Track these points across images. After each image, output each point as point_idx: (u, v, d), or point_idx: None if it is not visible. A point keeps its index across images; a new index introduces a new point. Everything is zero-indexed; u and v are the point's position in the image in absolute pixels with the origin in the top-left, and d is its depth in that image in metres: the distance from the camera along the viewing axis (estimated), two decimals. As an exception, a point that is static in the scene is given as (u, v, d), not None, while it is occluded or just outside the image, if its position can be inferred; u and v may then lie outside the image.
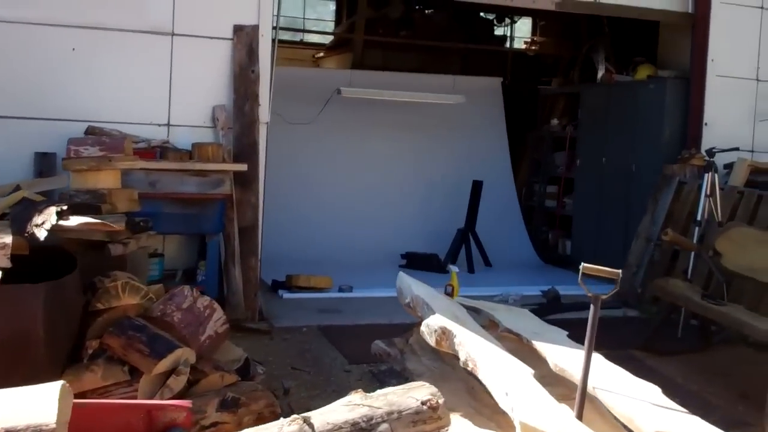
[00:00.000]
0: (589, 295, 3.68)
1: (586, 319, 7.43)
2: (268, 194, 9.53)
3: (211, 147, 6.60)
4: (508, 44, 16.37)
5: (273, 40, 7.23)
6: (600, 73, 9.66)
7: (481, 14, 14.91)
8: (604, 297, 3.70)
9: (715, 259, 6.36)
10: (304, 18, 16.59)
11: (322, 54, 15.96)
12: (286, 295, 7.50)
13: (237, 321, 6.47)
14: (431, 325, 4.02)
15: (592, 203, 9.67)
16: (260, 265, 6.94)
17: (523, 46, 15.43)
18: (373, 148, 10.13)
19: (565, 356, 4.02)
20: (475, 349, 3.76)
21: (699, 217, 6.82)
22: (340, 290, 7.68)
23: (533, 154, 11.09)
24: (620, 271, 3.71)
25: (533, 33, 15.13)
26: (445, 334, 3.96)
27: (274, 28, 7.18)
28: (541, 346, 4.15)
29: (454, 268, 7.58)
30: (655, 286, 6.36)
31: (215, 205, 6.37)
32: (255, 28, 6.92)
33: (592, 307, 3.64)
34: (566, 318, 7.33)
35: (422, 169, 10.37)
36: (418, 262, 9.22)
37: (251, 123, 6.82)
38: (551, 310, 7.33)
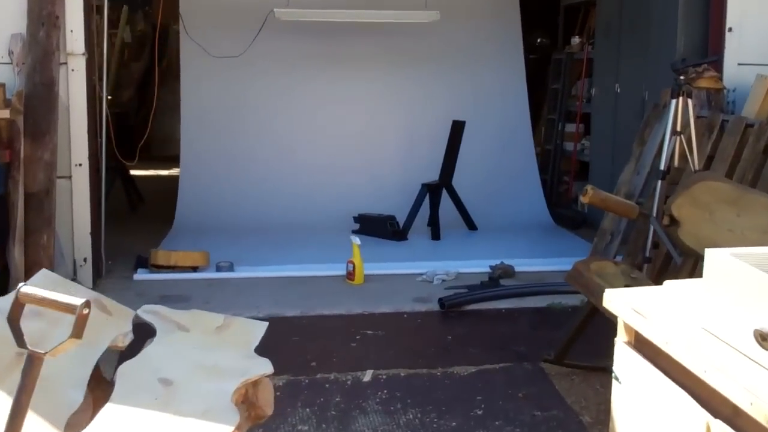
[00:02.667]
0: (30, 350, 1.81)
1: (526, 310, 5.38)
2: (188, 147, 8.02)
3: (-19, 89, 5.00)
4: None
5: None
6: (617, -28, 7.28)
7: None
8: (44, 354, 1.82)
9: (672, 229, 4.16)
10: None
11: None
12: (139, 276, 5.83)
13: (17, 318, 4.92)
14: None
15: (607, 145, 7.40)
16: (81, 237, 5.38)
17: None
18: (328, 85, 8.22)
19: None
20: None
21: (663, 166, 4.58)
22: (218, 269, 5.94)
23: (552, 83, 8.82)
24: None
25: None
26: None
27: None
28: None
29: (354, 240, 5.69)
30: (572, 272, 4.22)
31: (-28, 165, 4.77)
32: (57, -75, 5.21)
33: (25, 371, 1.77)
34: (493, 308, 5.31)
35: (398, 109, 8.36)
36: (371, 226, 7.32)
37: (46, 55, 5.15)
38: (472, 296, 5.29)
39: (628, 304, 2.38)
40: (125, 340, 3.00)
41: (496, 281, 5.61)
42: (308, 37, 8.01)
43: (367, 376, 4.29)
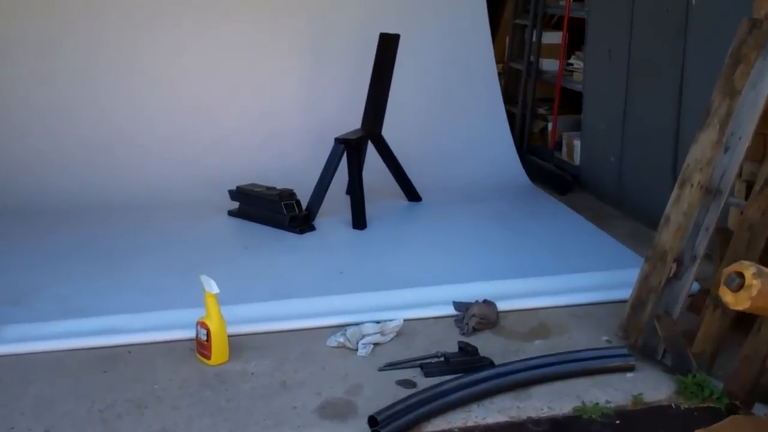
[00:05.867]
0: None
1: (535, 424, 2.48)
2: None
3: None
4: None
5: None
6: None
7: None
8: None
9: None
10: None
11: None
12: None
13: None
14: None
15: (618, 68, 4.82)
16: None
17: None
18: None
19: None
20: None
21: None
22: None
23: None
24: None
25: None
26: None
27: None
28: None
29: (207, 285, 3.07)
30: None
31: None
32: None
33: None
34: (475, 426, 2.78)
35: (297, 22, 5.67)
36: (257, 209, 4.69)
37: None
38: (426, 408, 2.73)
39: None
40: None
41: (471, 353, 3.06)
42: None
43: None
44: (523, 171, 5.54)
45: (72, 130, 5.27)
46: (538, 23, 5.81)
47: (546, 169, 5.53)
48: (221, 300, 3.12)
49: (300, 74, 5.62)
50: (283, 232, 4.51)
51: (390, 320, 3.28)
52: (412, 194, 5.04)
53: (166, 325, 3.31)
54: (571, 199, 5.13)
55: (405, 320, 3.31)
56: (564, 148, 5.59)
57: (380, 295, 3.57)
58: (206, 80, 5.54)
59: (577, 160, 5.39)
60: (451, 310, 3.43)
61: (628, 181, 4.73)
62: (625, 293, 3.41)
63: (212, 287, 3.03)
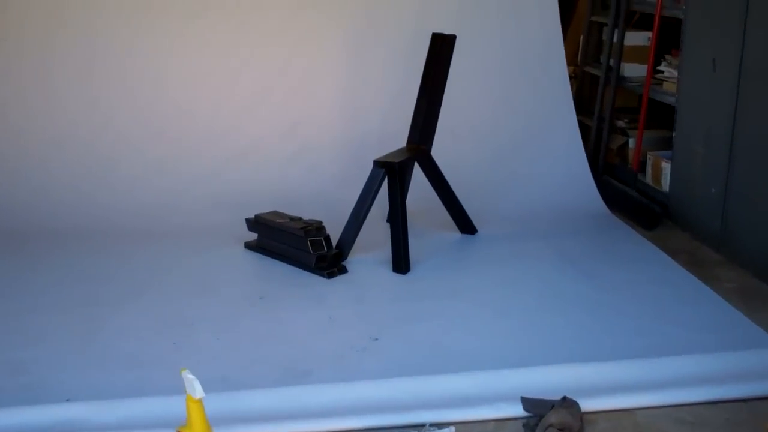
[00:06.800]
0: None
1: None
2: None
3: None
4: None
5: None
6: None
7: None
8: None
9: None
10: None
11: None
12: None
13: None
14: None
15: (724, 80, 3.91)
16: None
17: None
18: None
19: None
20: None
21: None
22: None
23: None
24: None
25: None
26: None
27: None
28: None
29: (190, 387, 2.23)
30: None
31: None
32: None
33: None
34: None
35: (337, 26, 4.87)
36: (280, 244, 3.88)
37: None
38: None
39: None
40: None
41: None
42: None
43: None
44: (599, 197, 4.65)
45: (66, 137, 4.53)
46: (620, 21, 4.90)
47: (627, 195, 4.64)
48: (218, 381, 2.33)
49: (338, 78, 4.80)
50: (309, 274, 3.70)
51: (436, 426, 2.45)
52: (465, 225, 4.19)
53: (143, 420, 2.52)
54: (660, 235, 4.23)
55: (456, 423, 2.48)
56: (649, 170, 4.69)
57: (424, 383, 2.73)
58: (227, 82, 4.75)
59: (665, 187, 4.48)
60: (518, 410, 2.58)
61: (735, 219, 3.82)
62: (751, 389, 2.59)
63: (196, 391, 2.21)
